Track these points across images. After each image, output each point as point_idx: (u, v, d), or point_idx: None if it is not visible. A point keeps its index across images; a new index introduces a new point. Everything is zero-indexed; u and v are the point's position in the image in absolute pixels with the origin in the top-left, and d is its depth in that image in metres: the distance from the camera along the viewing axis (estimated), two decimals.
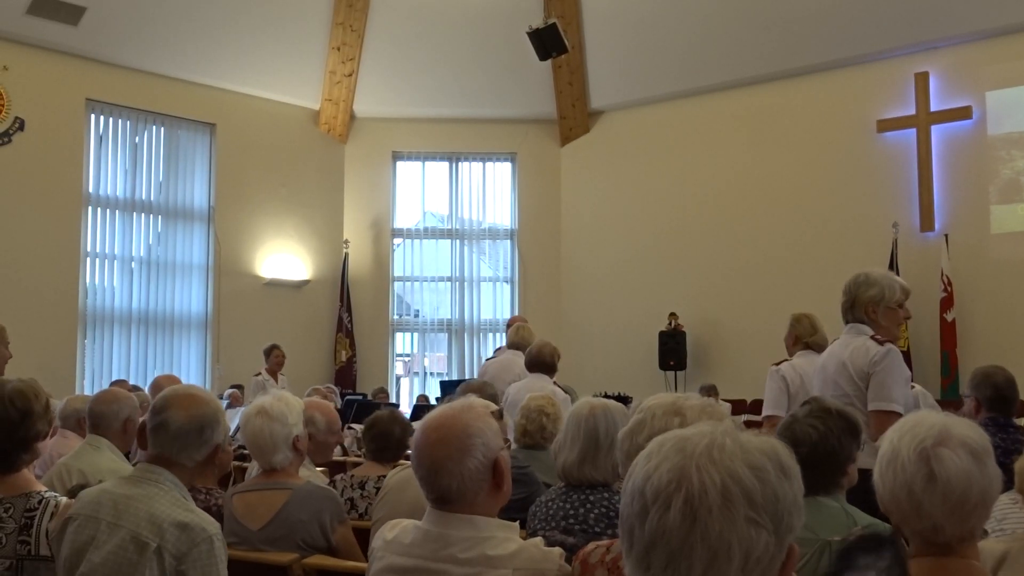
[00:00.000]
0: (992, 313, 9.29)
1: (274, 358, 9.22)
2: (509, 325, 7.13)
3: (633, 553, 1.06)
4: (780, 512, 1.04)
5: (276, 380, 9.03)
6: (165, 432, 2.36)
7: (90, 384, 9.97)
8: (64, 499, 2.43)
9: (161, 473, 2.33)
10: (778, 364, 4.67)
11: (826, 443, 2.43)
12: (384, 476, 3.71)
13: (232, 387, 9.45)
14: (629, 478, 1.10)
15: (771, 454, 1.08)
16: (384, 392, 10.57)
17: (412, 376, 13.11)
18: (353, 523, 3.19)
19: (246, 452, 5.71)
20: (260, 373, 9.10)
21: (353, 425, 8.52)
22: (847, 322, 3.76)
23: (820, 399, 2.72)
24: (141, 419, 2.49)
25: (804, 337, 4.72)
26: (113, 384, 8.96)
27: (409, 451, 4.00)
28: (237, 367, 10.46)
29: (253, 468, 4.45)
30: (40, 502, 2.40)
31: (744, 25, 10.49)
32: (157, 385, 5.07)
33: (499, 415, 2.12)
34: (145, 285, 10.58)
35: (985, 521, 1.71)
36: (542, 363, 5.79)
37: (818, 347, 4.67)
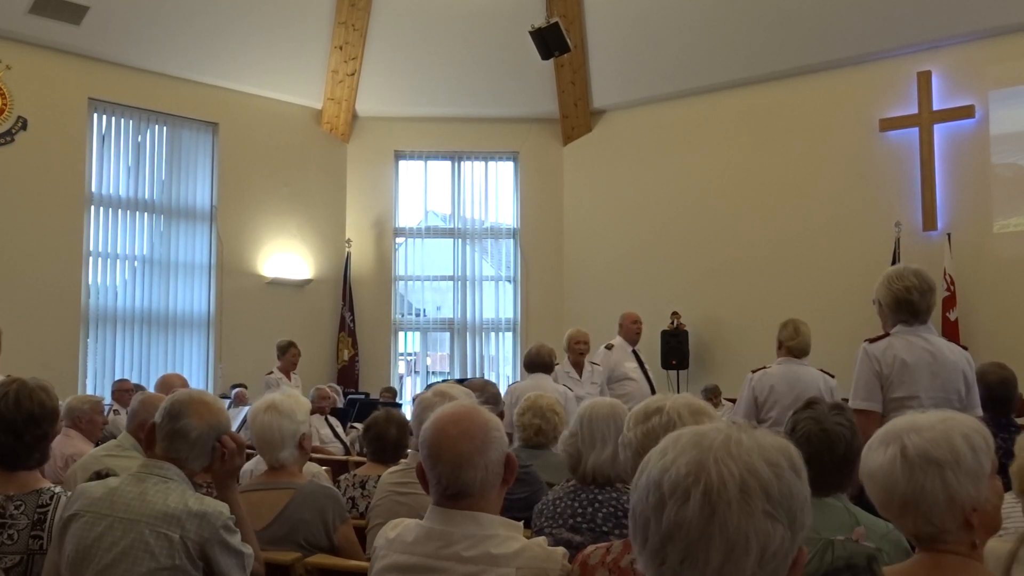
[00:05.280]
0: (995, 312, 9.27)
1: (290, 356, 8.56)
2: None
3: (648, 547, 1.06)
4: (794, 508, 1.06)
5: (290, 379, 8.45)
6: (183, 440, 2.46)
7: (92, 383, 9.98)
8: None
9: (170, 468, 2.42)
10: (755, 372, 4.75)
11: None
12: None
13: (236, 386, 9.42)
14: (642, 473, 1.10)
15: (784, 452, 1.09)
16: (391, 391, 10.48)
17: (415, 375, 13.11)
18: (353, 521, 3.20)
19: (251, 452, 5.72)
20: (272, 372, 8.48)
21: (355, 424, 8.52)
22: (924, 321, 3.66)
23: (820, 398, 2.73)
24: (151, 420, 2.55)
25: (786, 342, 4.80)
26: (116, 383, 9.00)
27: (410, 450, 4.00)
28: (239, 366, 10.47)
29: (248, 465, 4.46)
30: (51, 497, 2.47)
31: (746, 24, 10.48)
32: (166, 383, 5.03)
33: (500, 416, 2.13)
34: (147, 284, 10.56)
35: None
36: (541, 363, 6.18)
37: (799, 352, 4.75)
